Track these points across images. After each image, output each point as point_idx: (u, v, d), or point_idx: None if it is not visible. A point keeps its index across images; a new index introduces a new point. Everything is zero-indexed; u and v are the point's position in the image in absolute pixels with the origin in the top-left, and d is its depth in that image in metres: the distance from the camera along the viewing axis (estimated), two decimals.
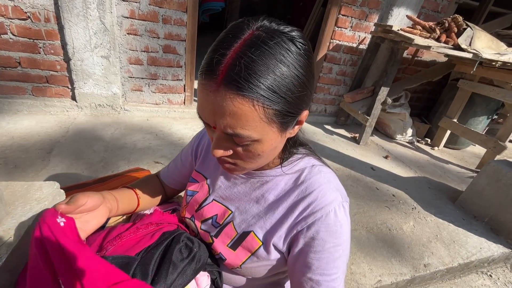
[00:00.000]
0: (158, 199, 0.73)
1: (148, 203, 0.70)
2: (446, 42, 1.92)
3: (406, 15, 2.16)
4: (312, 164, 0.52)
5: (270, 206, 0.52)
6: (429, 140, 2.69)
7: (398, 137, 2.59)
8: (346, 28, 2.29)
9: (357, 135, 2.48)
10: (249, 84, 0.34)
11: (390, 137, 2.65)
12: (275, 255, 0.51)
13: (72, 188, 0.97)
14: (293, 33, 0.37)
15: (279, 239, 0.49)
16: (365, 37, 2.38)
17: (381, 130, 2.73)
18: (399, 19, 2.28)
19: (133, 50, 1.90)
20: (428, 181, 1.97)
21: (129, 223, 0.65)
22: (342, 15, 2.21)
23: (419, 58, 2.67)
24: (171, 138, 1.87)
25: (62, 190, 0.78)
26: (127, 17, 1.79)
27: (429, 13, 2.44)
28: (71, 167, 1.40)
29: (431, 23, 2.02)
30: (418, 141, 2.66)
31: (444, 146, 2.63)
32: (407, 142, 2.62)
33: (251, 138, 0.39)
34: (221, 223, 0.56)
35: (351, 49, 2.41)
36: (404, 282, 1.15)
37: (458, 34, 1.95)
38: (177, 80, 2.12)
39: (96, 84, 1.89)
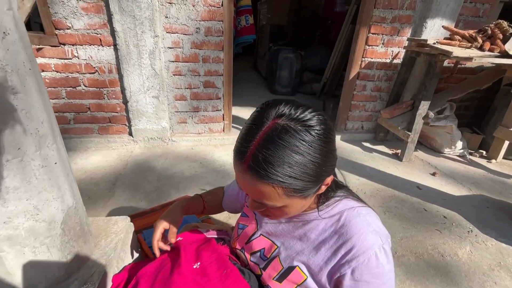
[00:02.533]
0: (218, 209, 0.90)
1: (211, 211, 0.89)
2: (491, 50, 1.81)
3: (442, 26, 2.09)
4: (351, 206, 0.56)
5: (313, 244, 0.56)
6: (484, 152, 2.45)
7: (446, 150, 2.42)
8: (377, 46, 2.29)
9: (399, 151, 2.38)
10: (267, 173, 0.42)
11: (437, 151, 2.48)
12: None
13: (139, 215, 1.14)
14: (311, 122, 0.43)
15: (324, 279, 0.54)
16: (398, 52, 2.35)
17: (426, 144, 2.58)
18: (434, 30, 2.21)
19: (178, 88, 2.15)
20: (486, 199, 1.80)
21: None
22: (372, 33, 2.23)
23: (463, 66, 2.52)
24: (214, 165, 2.03)
25: (131, 224, 0.93)
26: (173, 61, 2.04)
27: (469, 19, 2.32)
28: (132, 198, 1.61)
29: (471, 31, 1.92)
30: (471, 154, 2.44)
31: (504, 158, 2.38)
32: (457, 155, 2.43)
33: (275, 206, 0.47)
34: (268, 257, 0.63)
35: (385, 64, 2.38)
36: None
37: (505, 40, 1.82)
38: (216, 110, 2.30)
39: (148, 121, 2.16)
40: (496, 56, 1.77)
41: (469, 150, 2.45)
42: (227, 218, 1.48)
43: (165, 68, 2.05)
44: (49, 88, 1.95)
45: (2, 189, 0.51)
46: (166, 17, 1.90)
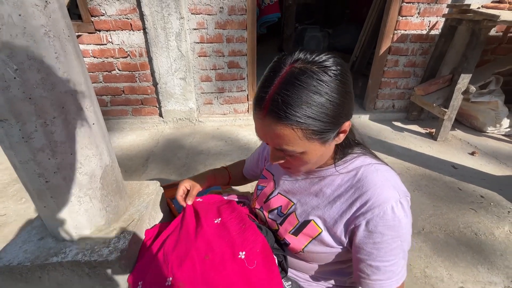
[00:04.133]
0: (242, 179, 0.95)
1: (236, 181, 0.94)
2: None
3: None
4: (368, 162, 0.56)
5: (328, 199, 0.58)
6: None
7: (490, 129, 2.21)
8: (412, 16, 2.12)
9: (433, 130, 2.23)
10: (287, 114, 0.43)
11: (478, 130, 2.28)
12: (335, 244, 0.57)
13: (170, 186, 1.24)
14: (326, 63, 0.44)
15: (339, 231, 0.55)
16: (437, 22, 2.15)
17: (466, 123, 2.38)
18: None
19: (203, 70, 2.20)
20: None
21: None
22: (407, 2, 2.06)
23: None
24: (239, 144, 2.08)
25: (161, 188, 1.01)
26: (198, 42, 2.09)
27: None
28: (163, 171, 1.73)
29: None
30: None
31: None
32: (502, 135, 2.21)
33: (295, 151, 0.49)
34: (285, 213, 0.66)
35: (420, 37, 2.21)
36: None
37: None
38: (240, 91, 2.33)
39: (176, 102, 2.26)
40: None
41: None
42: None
43: (191, 49, 2.11)
44: (89, 73, 2.11)
45: (51, 143, 0.60)
46: None
